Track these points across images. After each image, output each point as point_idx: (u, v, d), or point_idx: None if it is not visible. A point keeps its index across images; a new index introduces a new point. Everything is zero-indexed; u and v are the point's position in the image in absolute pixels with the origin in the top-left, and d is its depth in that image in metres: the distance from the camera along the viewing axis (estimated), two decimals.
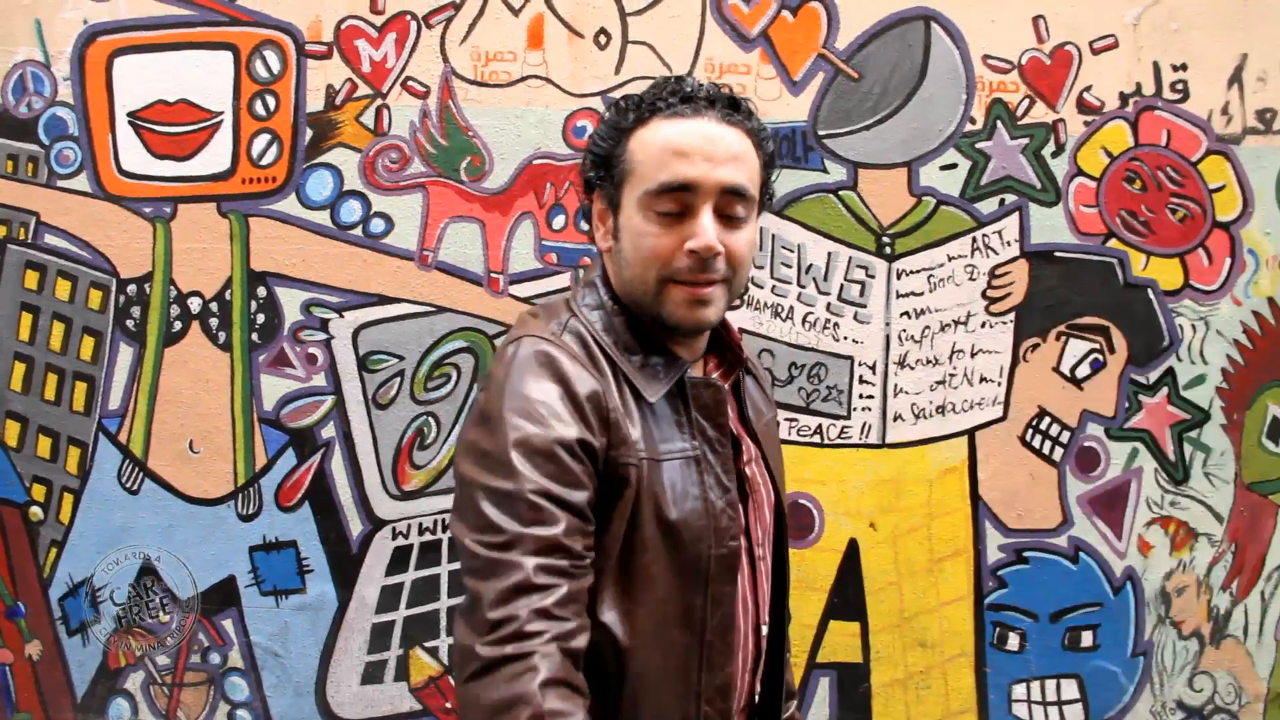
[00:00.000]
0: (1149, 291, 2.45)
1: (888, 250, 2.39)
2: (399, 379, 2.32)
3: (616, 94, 2.31)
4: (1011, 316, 2.42)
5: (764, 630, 1.27)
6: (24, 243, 2.26)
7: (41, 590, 2.31)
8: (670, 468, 1.15)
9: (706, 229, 1.13)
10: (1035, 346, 2.43)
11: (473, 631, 1.02)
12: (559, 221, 2.32)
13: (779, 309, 2.38)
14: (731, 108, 1.19)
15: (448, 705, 2.35)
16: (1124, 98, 2.43)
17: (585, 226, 1.28)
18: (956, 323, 2.41)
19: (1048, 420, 2.44)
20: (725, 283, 1.17)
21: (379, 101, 2.28)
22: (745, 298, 2.37)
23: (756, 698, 1.29)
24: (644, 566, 1.13)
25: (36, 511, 2.30)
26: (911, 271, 2.39)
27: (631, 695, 1.14)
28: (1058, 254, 2.43)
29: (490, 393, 1.13)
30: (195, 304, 2.28)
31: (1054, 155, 2.42)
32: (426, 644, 2.34)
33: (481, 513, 1.05)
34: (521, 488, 1.05)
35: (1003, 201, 2.41)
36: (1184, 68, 2.43)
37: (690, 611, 1.15)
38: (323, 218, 2.29)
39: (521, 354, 1.13)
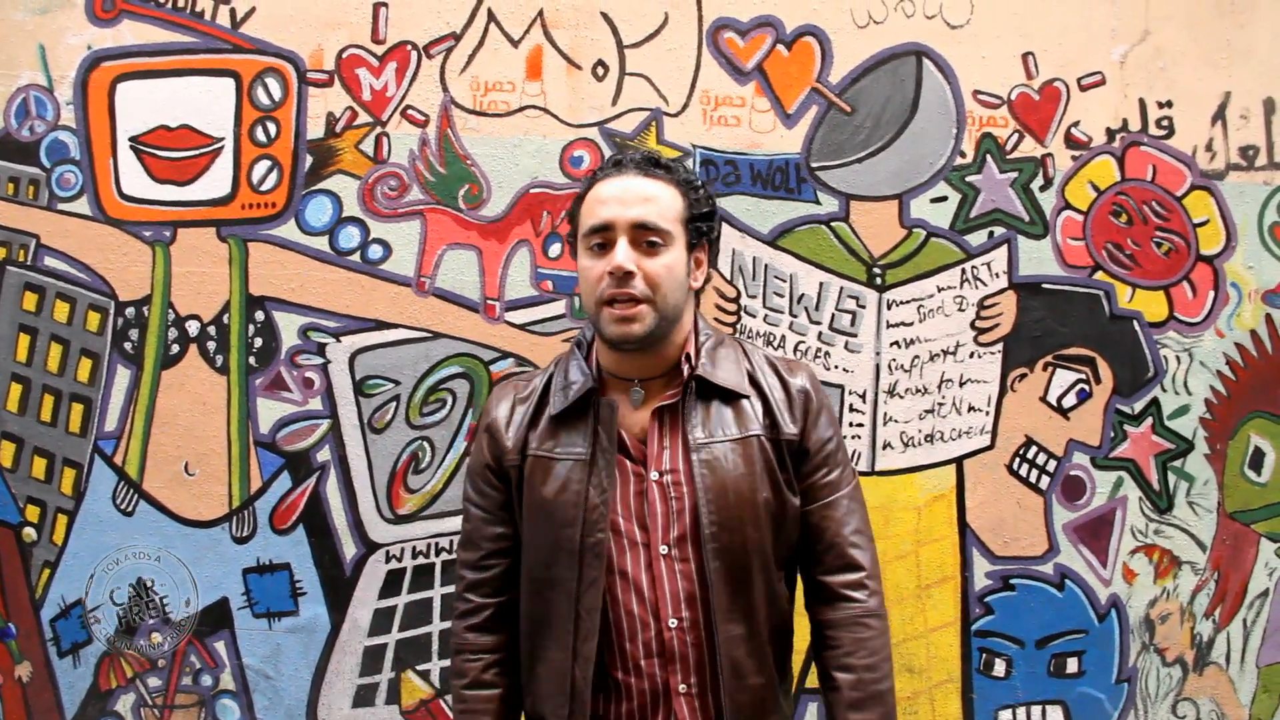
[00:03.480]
0: (1134, 323, 2.49)
1: (878, 281, 2.43)
2: (395, 403, 2.34)
3: (613, 125, 2.36)
4: (1000, 347, 2.46)
5: (672, 624, 1.46)
6: (23, 265, 2.28)
7: (33, 611, 2.31)
8: (561, 466, 1.48)
9: (621, 254, 1.41)
10: (1023, 376, 2.47)
11: None
12: (555, 249, 2.35)
13: (771, 338, 2.41)
14: (651, 163, 1.48)
15: None
16: (1111, 133, 2.47)
17: None
18: (945, 353, 2.45)
19: (1035, 449, 2.48)
20: (649, 302, 1.42)
21: (379, 129, 2.31)
22: (738, 326, 2.40)
23: (686, 688, 1.47)
24: (529, 534, 1.52)
25: (30, 532, 2.30)
26: (902, 302, 2.43)
27: (528, 631, 1.53)
28: (1045, 286, 2.47)
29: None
30: (193, 327, 2.30)
31: (1042, 189, 2.46)
32: (418, 667, 2.35)
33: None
34: (463, 497, 1.64)
35: (992, 234, 2.45)
36: (1169, 105, 2.48)
37: (563, 581, 1.46)
38: (321, 243, 2.31)
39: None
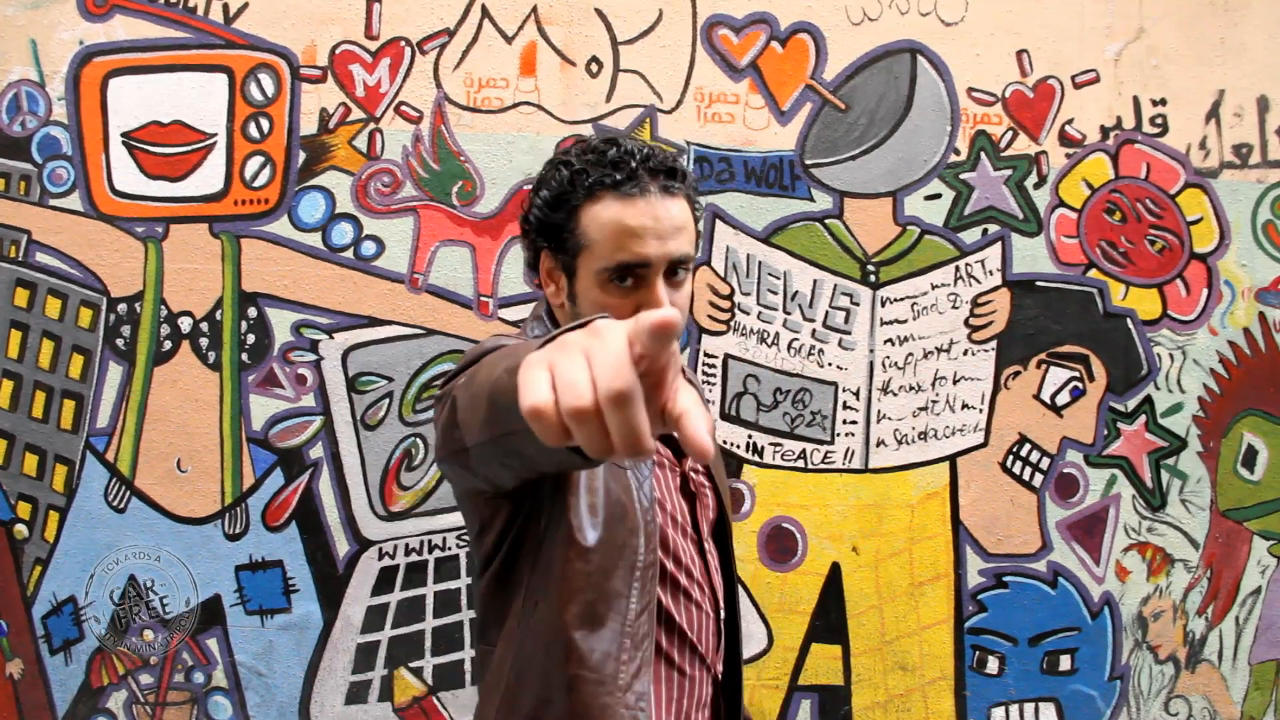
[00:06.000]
0: (1128, 321, 2.50)
1: (872, 278, 2.43)
2: (388, 400, 2.33)
3: (607, 122, 2.35)
4: (993, 344, 2.46)
5: (722, 615, 1.37)
6: (15, 261, 2.27)
7: (25, 608, 2.30)
8: (603, 467, 1.23)
9: (661, 297, 1.24)
10: (1016, 374, 2.47)
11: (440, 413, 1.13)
12: None
13: (764, 335, 2.41)
14: (670, 177, 1.27)
15: None
16: (1105, 131, 2.48)
17: (529, 276, 1.41)
18: (939, 350, 2.45)
19: (1028, 447, 2.48)
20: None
21: (372, 126, 2.30)
22: (731, 324, 2.40)
23: (719, 675, 1.39)
24: (576, 531, 1.21)
25: (21, 529, 2.29)
26: (895, 299, 2.43)
27: (567, 661, 1.21)
28: (1039, 283, 2.47)
29: (459, 364, 1.21)
30: (185, 324, 2.29)
31: (1036, 186, 2.46)
32: (411, 664, 2.35)
33: (463, 383, 1.11)
34: (476, 369, 1.11)
35: (985, 231, 2.45)
36: (1163, 103, 2.49)
37: (618, 599, 1.22)
38: (314, 240, 2.30)
39: (480, 345, 1.22)
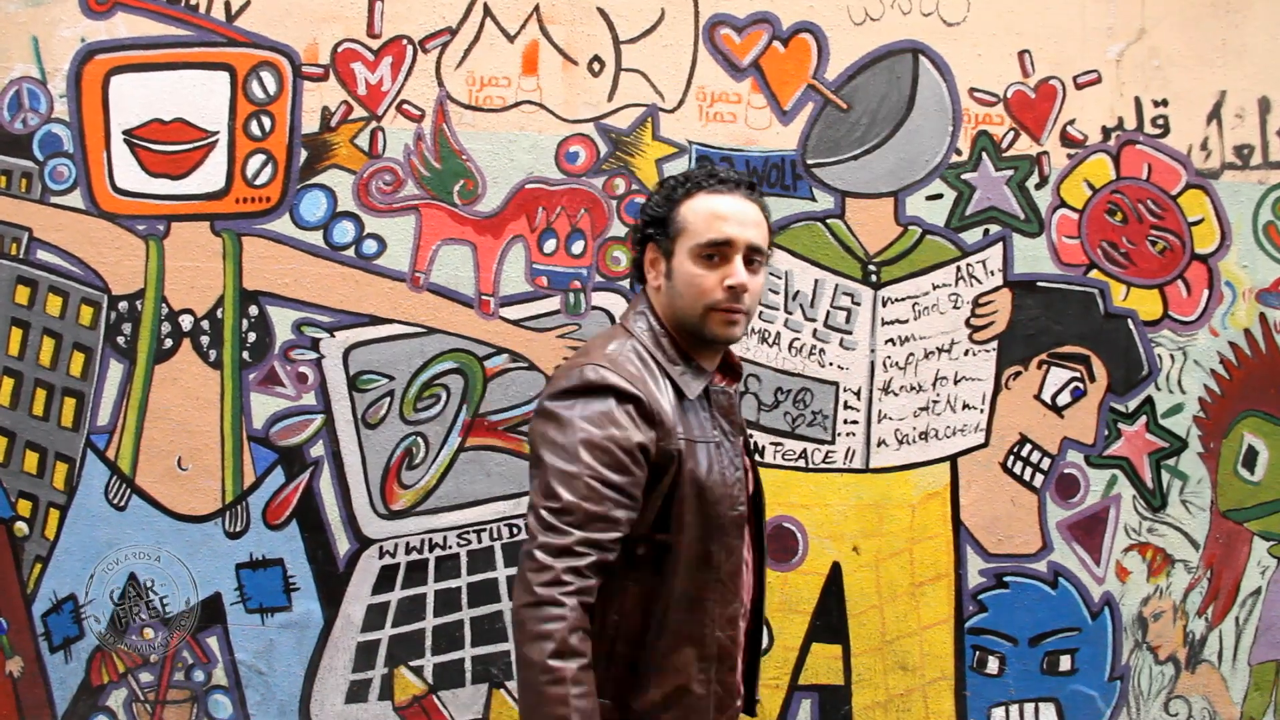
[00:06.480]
0: (1129, 322, 2.50)
1: (873, 278, 2.43)
2: (389, 399, 2.33)
3: (609, 121, 2.35)
4: (994, 345, 2.46)
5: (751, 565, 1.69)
6: (15, 258, 2.27)
7: (25, 606, 2.30)
8: (702, 449, 1.55)
9: (740, 271, 1.55)
10: (1017, 374, 2.47)
11: (529, 569, 1.40)
12: (550, 245, 2.34)
13: (766, 334, 2.41)
14: (750, 189, 1.63)
15: None
16: (1106, 132, 2.48)
17: (630, 271, 1.84)
18: (940, 350, 2.45)
19: (1029, 447, 2.48)
20: (747, 313, 1.59)
21: (374, 124, 2.31)
22: None
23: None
24: (681, 516, 1.52)
25: (22, 527, 2.29)
26: (897, 299, 2.43)
27: (668, 611, 1.52)
28: (1040, 284, 2.47)
29: (560, 401, 1.50)
30: (187, 321, 2.29)
31: (1038, 187, 2.46)
32: (411, 663, 2.35)
33: (549, 485, 1.43)
34: (581, 472, 1.43)
35: (987, 232, 2.45)
36: (1165, 103, 2.49)
37: (710, 556, 1.55)
38: (316, 238, 2.30)
39: (586, 377, 1.51)
